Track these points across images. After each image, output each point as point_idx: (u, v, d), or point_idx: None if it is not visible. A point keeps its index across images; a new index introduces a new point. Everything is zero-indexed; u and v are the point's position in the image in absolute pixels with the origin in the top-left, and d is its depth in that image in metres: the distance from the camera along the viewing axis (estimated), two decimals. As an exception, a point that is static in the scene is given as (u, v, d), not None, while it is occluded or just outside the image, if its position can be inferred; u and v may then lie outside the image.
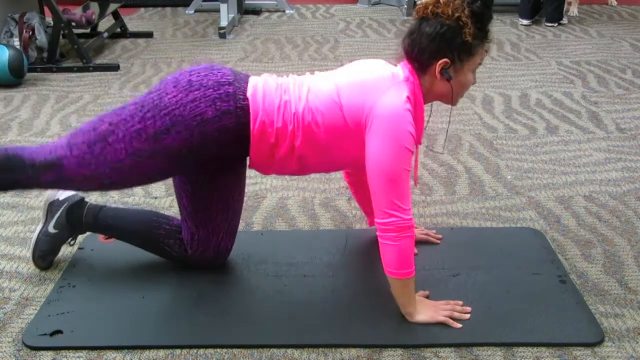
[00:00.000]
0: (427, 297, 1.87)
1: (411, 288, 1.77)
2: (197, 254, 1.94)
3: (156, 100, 1.70)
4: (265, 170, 1.85)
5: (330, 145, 1.74)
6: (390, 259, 1.72)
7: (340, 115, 1.70)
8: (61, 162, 1.72)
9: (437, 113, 1.85)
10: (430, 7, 1.67)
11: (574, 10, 5.44)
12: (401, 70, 1.74)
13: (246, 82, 1.75)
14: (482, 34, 1.69)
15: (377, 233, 1.71)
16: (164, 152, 1.69)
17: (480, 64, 1.75)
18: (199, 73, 1.73)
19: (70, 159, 1.71)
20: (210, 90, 1.69)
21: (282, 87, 1.76)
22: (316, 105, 1.72)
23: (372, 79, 1.72)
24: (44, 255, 2.02)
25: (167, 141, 1.68)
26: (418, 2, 1.74)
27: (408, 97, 1.68)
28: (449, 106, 1.85)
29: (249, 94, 1.72)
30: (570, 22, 5.24)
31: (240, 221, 2.02)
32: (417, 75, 1.73)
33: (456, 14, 1.64)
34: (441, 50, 1.68)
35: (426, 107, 1.79)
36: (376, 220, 1.70)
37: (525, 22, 5.17)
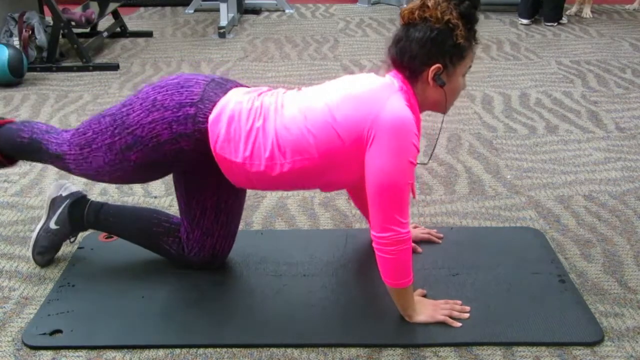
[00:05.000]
0: (424, 295, 1.87)
1: (410, 294, 1.76)
2: (194, 253, 1.94)
3: (124, 116, 1.75)
4: (252, 187, 1.80)
5: (325, 170, 1.69)
6: (387, 271, 1.71)
7: (334, 135, 1.64)
8: (64, 157, 1.86)
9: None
10: (416, 12, 1.63)
11: (587, 11, 5.39)
12: (394, 80, 1.69)
13: (214, 103, 1.70)
14: (471, 35, 1.66)
15: (374, 245, 1.68)
16: (132, 164, 1.76)
17: (470, 66, 1.72)
18: (166, 91, 1.72)
19: (70, 156, 1.85)
20: (169, 112, 1.69)
21: (258, 111, 1.70)
22: (308, 127, 1.65)
23: (368, 91, 1.66)
24: (44, 251, 2.02)
25: (132, 157, 1.75)
26: (401, 8, 1.68)
27: (407, 106, 1.63)
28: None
29: (211, 117, 1.69)
30: (570, 21, 5.24)
31: (240, 221, 2.01)
32: (410, 84, 1.69)
33: (445, 17, 1.60)
34: (433, 56, 1.63)
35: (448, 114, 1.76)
36: (373, 233, 1.67)
37: (524, 21, 5.17)
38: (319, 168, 1.69)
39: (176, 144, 1.70)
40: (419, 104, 1.71)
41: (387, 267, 1.70)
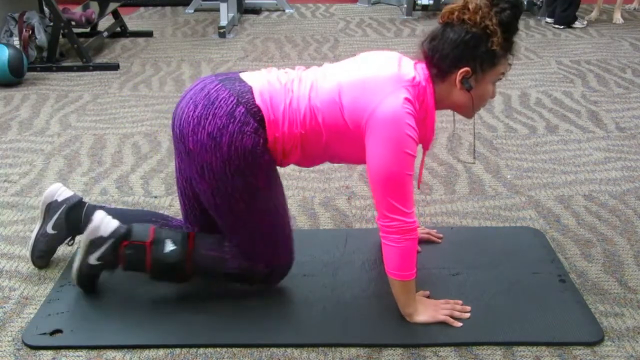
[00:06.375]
0: (428, 297, 1.87)
1: (412, 289, 1.76)
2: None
3: (213, 176, 1.70)
4: (284, 161, 1.82)
5: (331, 144, 1.72)
6: (392, 260, 1.71)
7: (339, 116, 1.67)
8: (249, 258, 1.82)
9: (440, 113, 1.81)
10: (456, 13, 1.63)
11: (618, 17, 5.30)
12: (413, 71, 1.69)
13: (249, 92, 1.70)
14: (508, 45, 1.65)
15: (380, 234, 1.70)
16: (268, 189, 1.75)
17: (503, 74, 1.71)
18: (206, 119, 1.67)
19: (244, 246, 1.81)
20: (230, 125, 1.66)
21: (287, 87, 1.72)
22: (316, 103, 1.69)
23: (375, 81, 1.66)
24: (43, 255, 2.02)
25: (260, 184, 1.72)
26: (444, 7, 1.68)
27: (409, 100, 1.63)
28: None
29: (258, 101, 1.69)
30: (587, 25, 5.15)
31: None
32: (433, 82, 1.69)
33: (484, 22, 1.60)
34: (463, 58, 1.64)
35: (450, 113, 1.74)
36: (379, 221, 1.69)
37: (549, 20, 5.16)
38: (326, 140, 1.71)
39: (259, 139, 1.68)
40: (437, 102, 1.71)
41: (392, 256, 1.70)
